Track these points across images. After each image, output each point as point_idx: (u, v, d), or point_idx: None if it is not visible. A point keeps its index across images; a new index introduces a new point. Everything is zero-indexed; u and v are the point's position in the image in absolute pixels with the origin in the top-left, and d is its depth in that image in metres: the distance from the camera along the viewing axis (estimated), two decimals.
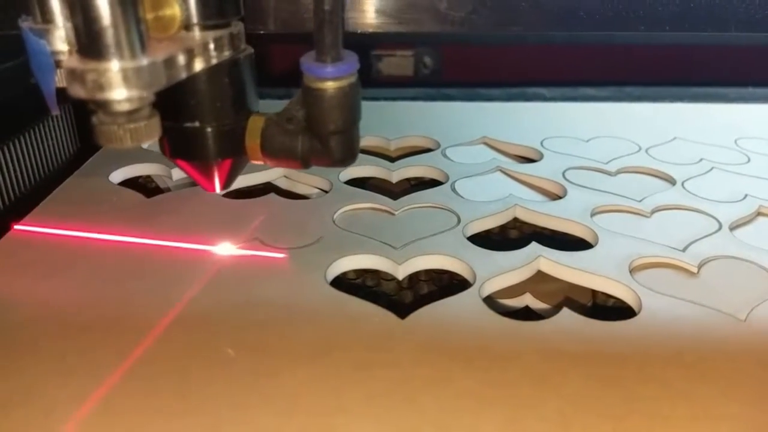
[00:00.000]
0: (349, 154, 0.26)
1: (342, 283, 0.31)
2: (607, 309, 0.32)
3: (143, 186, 0.42)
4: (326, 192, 0.39)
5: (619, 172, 0.42)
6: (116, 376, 0.24)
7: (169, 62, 0.20)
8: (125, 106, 0.18)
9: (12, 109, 0.41)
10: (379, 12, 0.55)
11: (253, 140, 0.26)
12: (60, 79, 0.21)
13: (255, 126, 0.26)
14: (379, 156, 0.44)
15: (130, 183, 0.41)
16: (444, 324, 0.27)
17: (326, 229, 0.34)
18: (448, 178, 0.40)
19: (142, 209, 0.36)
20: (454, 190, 0.39)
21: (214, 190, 0.27)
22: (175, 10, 0.22)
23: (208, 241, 0.33)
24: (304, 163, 0.26)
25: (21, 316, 0.27)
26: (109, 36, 0.17)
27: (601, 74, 0.67)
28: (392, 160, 0.43)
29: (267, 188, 0.41)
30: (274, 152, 0.26)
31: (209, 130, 0.25)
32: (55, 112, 0.22)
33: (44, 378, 0.24)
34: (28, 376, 0.24)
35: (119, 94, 0.18)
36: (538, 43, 0.67)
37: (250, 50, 0.26)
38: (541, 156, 0.44)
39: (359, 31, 0.59)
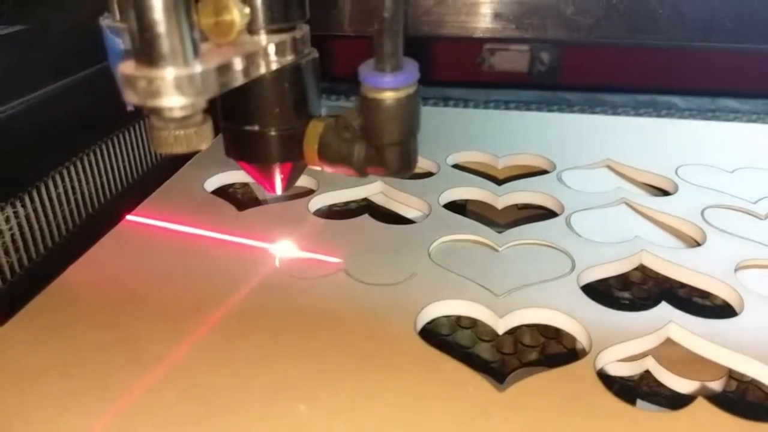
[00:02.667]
0: (405, 165, 0.25)
1: None
2: (747, 392, 0.27)
3: (234, 195, 0.41)
4: (426, 215, 0.36)
5: None
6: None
7: (223, 69, 0.20)
8: (177, 113, 0.19)
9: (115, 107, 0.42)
10: (498, 16, 0.51)
11: (310, 146, 0.25)
12: None
13: (313, 132, 0.25)
14: (484, 176, 0.40)
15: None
16: (550, 401, 0.23)
17: (420, 264, 0.31)
18: (563, 209, 0.36)
19: (233, 222, 0.35)
20: (569, 224, 0.34)
21: (274, 191, 0.27)
22: (234, 16, 0.21)
23: (291, 268, 0.31)
24: (360, 171, 0.25)
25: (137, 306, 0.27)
26: (162, 44, 0.17)
27: (745, 84, 0.59)
28: (499, 182, 0.39)
29: (361, 206, 0.39)
30: (330, 159, 0.26)
31: (269, 134, 0.25)
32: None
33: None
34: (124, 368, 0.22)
35: (171, 101, 0.18)
36: (668, 46, 0.60)
37: (315, 54, 0.25)
38: (676, 188, 0.38)
39: (477, 36, 0.54)
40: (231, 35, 0.21)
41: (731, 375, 0.28)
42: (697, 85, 0.59)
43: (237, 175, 0.41)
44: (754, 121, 0.51)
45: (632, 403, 0.23)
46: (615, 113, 0.54)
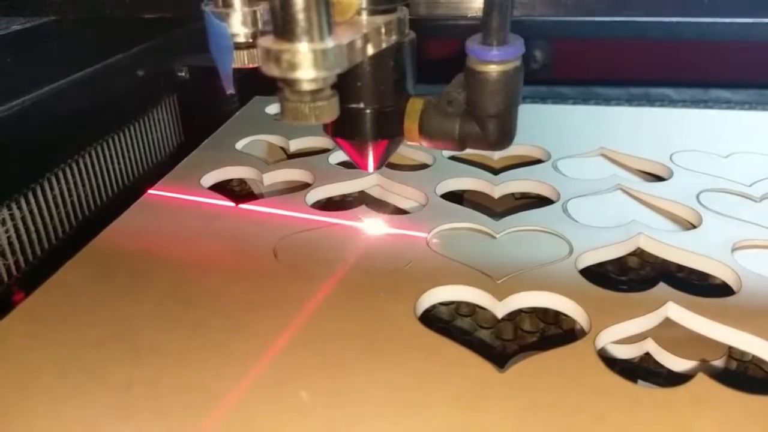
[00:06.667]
0: (506, 137, 0.26)
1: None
2: (748, 371, 0.27)
3: (231, 190, 0.41)
4: (423, 205, 0.36)
5: (765, 197, 0.35)
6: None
7: (351, 46, 0.21)
8: (311, 86, 0.20)
9: (125, 100, 0.45)
10: None
11: (411, 122, 0.26)
12: (235, 60, 0.23)
13: (414, 108, 0.26)
14: (480, 166, 0.40)
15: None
16: (551, 381, 0.23)
17: (418, 252, 0.31)
18: (559, 197, 0.36)
19: (230, 215, 0.35)
20: (565, 211, 0.34)
21: (367, 168, 0.28)
22: None
23: (289, 258, 0.30)
24: (461, 144, 0.26)
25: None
26: (303, 20, 0.18)
27: (737, 75, 0.59)
28: (495, 171, 0.39)
29: (358, 199, 0.39)
30: (431, 134, 0.26)
31: (371, 111, 0.26)
32: (231, 91, 0.24)
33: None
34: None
35: (308, 74, 0.19)
36: (660, 39, 0.60)
37: (413, 35, 0.26)
38: (671, 173, 0.38)
39: (471, 15, 0.54)
40: (349, 14, 0.23)
41: (731, 355, 0.28)
42: (690, 77, 0.59)
43: (232, 172, 0.41)
44: (747, 110, 0.51)
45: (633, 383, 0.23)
46: (609, 105, 0.54)
